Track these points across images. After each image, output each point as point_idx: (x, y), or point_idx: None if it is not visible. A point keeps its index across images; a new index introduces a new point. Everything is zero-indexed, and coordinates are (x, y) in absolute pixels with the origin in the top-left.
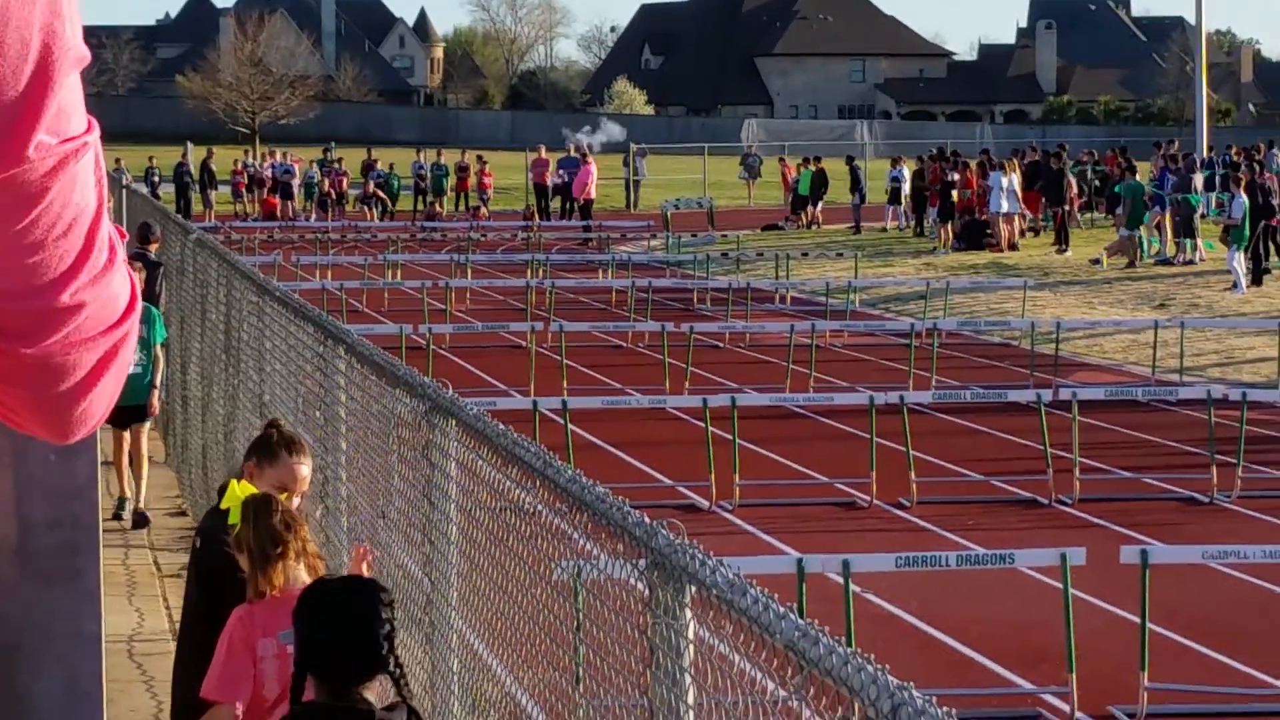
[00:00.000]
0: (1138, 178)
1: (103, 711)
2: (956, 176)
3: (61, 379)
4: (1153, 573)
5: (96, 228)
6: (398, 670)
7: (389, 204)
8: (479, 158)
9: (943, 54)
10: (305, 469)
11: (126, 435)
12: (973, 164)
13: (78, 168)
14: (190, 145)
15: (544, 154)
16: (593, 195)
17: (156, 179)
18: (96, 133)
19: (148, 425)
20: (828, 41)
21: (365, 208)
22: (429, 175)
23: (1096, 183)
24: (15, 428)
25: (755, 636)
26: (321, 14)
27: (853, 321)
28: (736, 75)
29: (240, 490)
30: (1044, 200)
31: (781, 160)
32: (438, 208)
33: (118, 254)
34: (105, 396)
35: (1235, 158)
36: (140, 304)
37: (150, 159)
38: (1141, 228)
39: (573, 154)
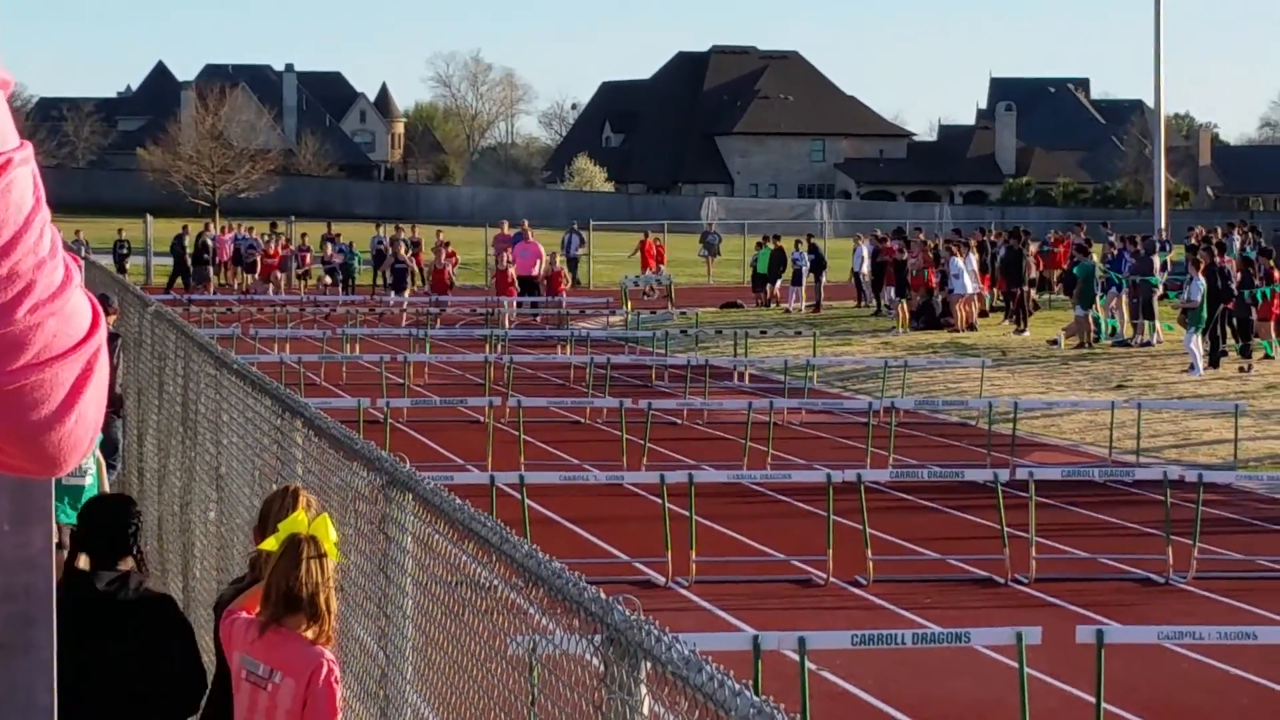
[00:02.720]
0: (1093, 258)
1: None
2: (909, 257)
3: (40, 402)
4: (1108, 653)
5: (40, 242)
6: (138, 553)
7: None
8: (437, 233)
9: (903, 134)
10: None
11: None
12: (932, 244)
13: (8, 183)
14: (150, 218)
15: (506, 229)
16: (535, 272)
17: (125, 250)
18: (29, 151)
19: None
20: (788, 121)
21: (330, 276)
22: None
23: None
24: (1, 469)
25: (710, 713)
26: (283, 88)
27: (810, 399)
28: (697, 153)
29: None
30: (1002, 281)
31: (645, 234)
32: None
33: (74, 273)
34: (89, 418)
35: (1195, 241)
36: (104, 321)
37: (120, 231)
38: (1099, 309)
39: (523, 231)
